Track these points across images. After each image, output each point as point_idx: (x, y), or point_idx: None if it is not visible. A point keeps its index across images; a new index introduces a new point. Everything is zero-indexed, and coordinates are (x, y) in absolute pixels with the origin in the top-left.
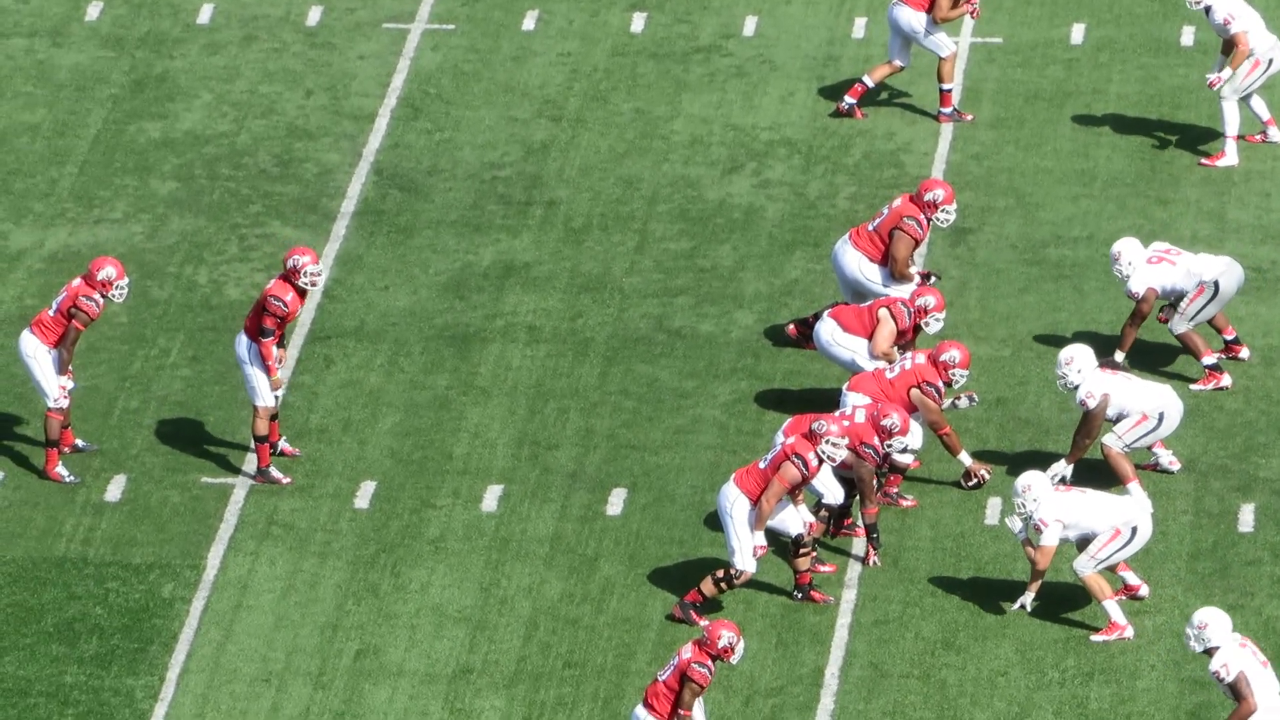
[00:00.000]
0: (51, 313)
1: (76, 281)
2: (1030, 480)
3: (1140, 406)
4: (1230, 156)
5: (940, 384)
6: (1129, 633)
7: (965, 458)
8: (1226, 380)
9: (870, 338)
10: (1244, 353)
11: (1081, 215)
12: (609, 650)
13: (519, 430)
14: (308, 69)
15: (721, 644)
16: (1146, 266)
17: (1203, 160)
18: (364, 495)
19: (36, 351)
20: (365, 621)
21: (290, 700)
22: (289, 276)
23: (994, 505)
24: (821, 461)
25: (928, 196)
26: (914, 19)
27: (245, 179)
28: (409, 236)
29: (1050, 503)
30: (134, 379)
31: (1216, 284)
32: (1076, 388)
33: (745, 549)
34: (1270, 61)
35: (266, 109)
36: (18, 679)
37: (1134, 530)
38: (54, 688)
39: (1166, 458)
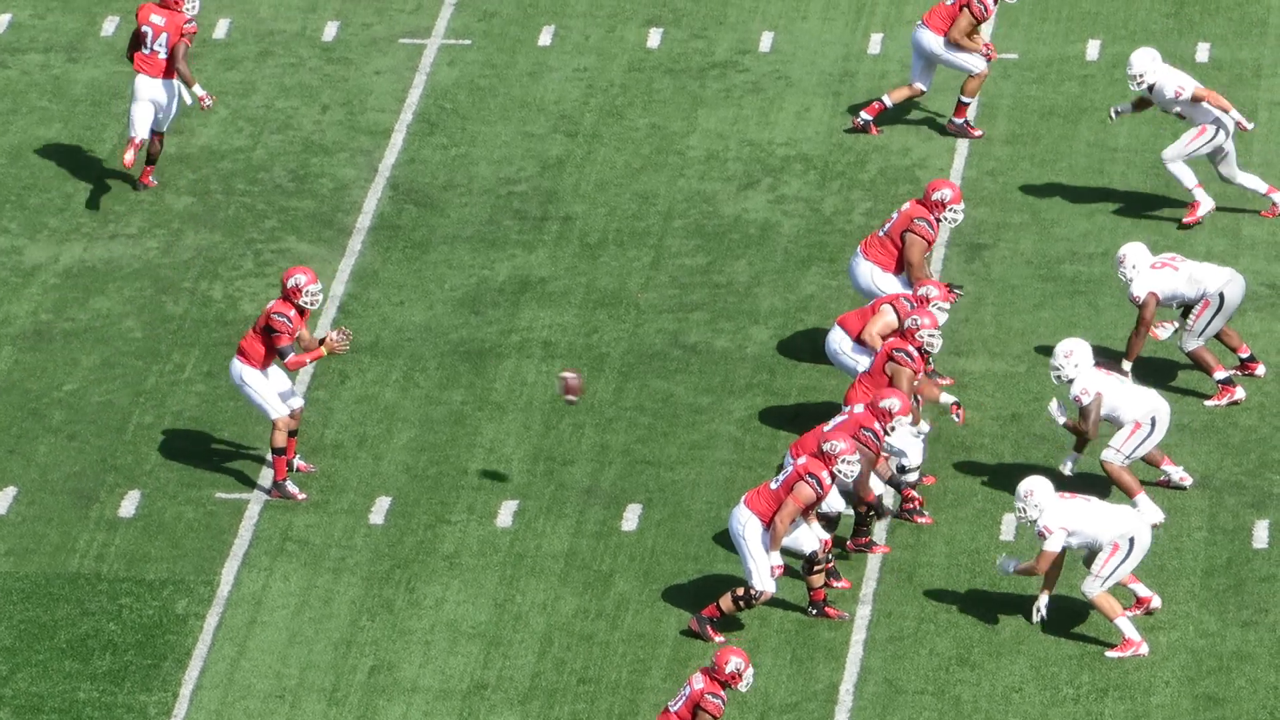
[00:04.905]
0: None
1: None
2: (1032, 485)
3: (1132, 413)
4: (1204, 204)
5: (910, 349)
6: (1144, 649)
7: (946, 397)
8: (1240, 394)
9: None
10: (1260, 369)
11: (1097, 231)
12: (623, 666)
13: (534, 446)
14: (324, 84)
15: (729, 669)
16: (1150, 271)
17: (1185, 219)
18: (379, 511)
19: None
20: (379, 637)
21: (304, 717)
22: (289, 295)
23: (1009, 522)
24: (835, 479)
25: (935, 196)
26: (934, 41)
27: (261, 194)
28: (424, 252)
29: (1054, 510)
30: (149, 394)
31: (1221, 295)
32: (1071, 381)
33: (762, 569)
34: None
35: (282, 124)
36: (30, 695)
37: (1132, 541)
38: (67, 704)
39: (1178, 474)
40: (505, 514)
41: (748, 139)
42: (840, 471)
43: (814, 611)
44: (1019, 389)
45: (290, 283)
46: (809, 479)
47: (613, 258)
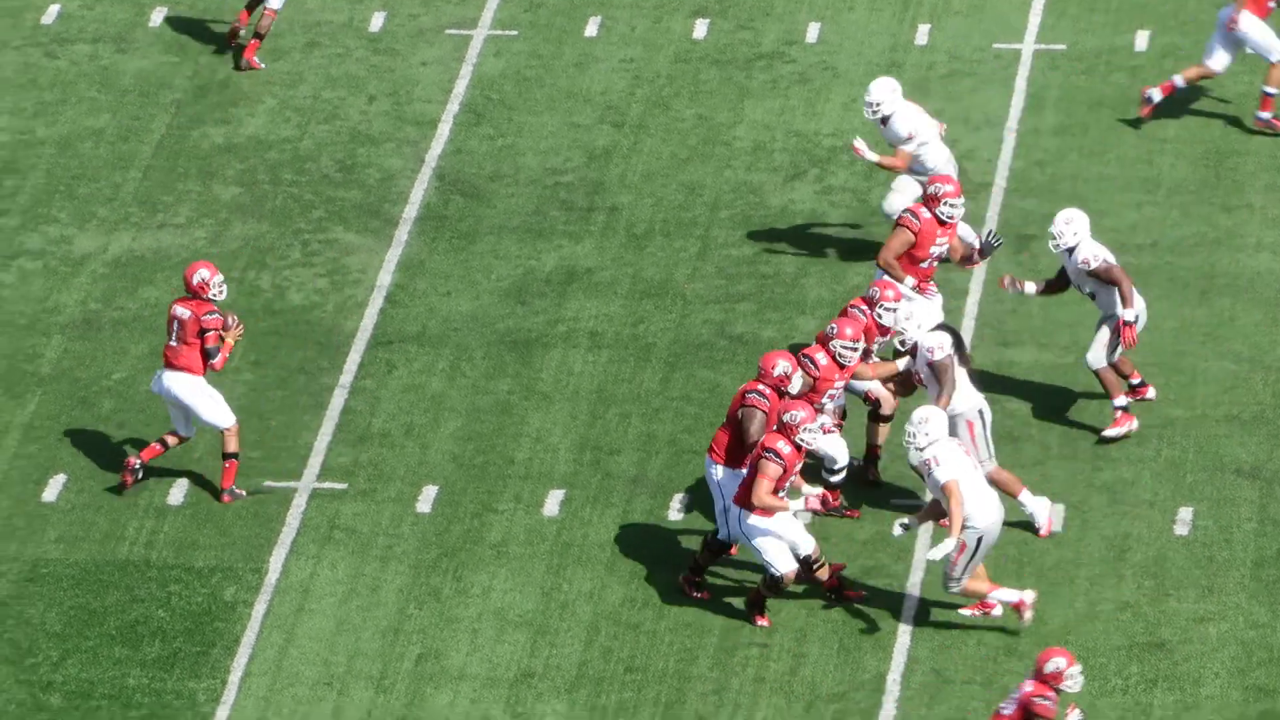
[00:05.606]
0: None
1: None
2: (929, 414)
3: (962, 407)
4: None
5: (815, 355)
6: (1019, 595)
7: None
8: (1135, 424)
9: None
10: (1150, 392)
11: (1145, 222)
12: (670, 655)
13: (581, 435)
14: (371, 74)
15: (1049, 669)
16: (1096, 242)
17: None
18: (426, 499)
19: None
20: (427, 625)
21: (352, 704)
22: (198, 292)
23: (1059, 511)
24: (798, 449)
25: (930, 190)
26: (1252, 26)
27: (308, 184)
28: (471, 242)
29: (948, 452)
30: None
31: (1135, 317)
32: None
33: (777, 553)
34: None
35: (329, 114)
36: (81, 681)
37: (979, 541)
38: (117, 690)
39: (1033, 506)
40: (552, 503)
41: (794, 130)
42: (804, 440)
43: (833, 596)
44: (1066, 380)
45: (196, 279)
46: (767, 454)
47: (659, 248)
